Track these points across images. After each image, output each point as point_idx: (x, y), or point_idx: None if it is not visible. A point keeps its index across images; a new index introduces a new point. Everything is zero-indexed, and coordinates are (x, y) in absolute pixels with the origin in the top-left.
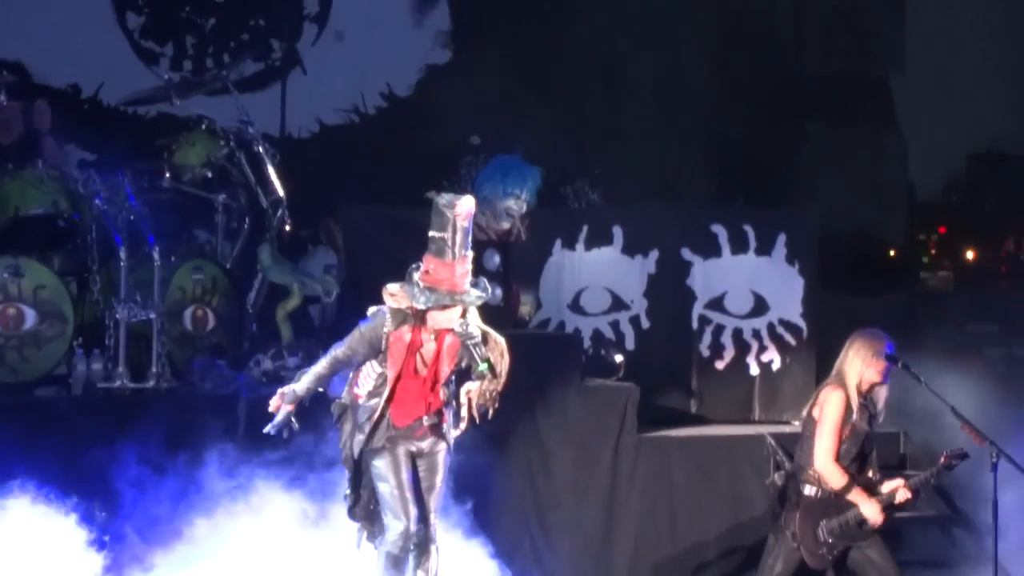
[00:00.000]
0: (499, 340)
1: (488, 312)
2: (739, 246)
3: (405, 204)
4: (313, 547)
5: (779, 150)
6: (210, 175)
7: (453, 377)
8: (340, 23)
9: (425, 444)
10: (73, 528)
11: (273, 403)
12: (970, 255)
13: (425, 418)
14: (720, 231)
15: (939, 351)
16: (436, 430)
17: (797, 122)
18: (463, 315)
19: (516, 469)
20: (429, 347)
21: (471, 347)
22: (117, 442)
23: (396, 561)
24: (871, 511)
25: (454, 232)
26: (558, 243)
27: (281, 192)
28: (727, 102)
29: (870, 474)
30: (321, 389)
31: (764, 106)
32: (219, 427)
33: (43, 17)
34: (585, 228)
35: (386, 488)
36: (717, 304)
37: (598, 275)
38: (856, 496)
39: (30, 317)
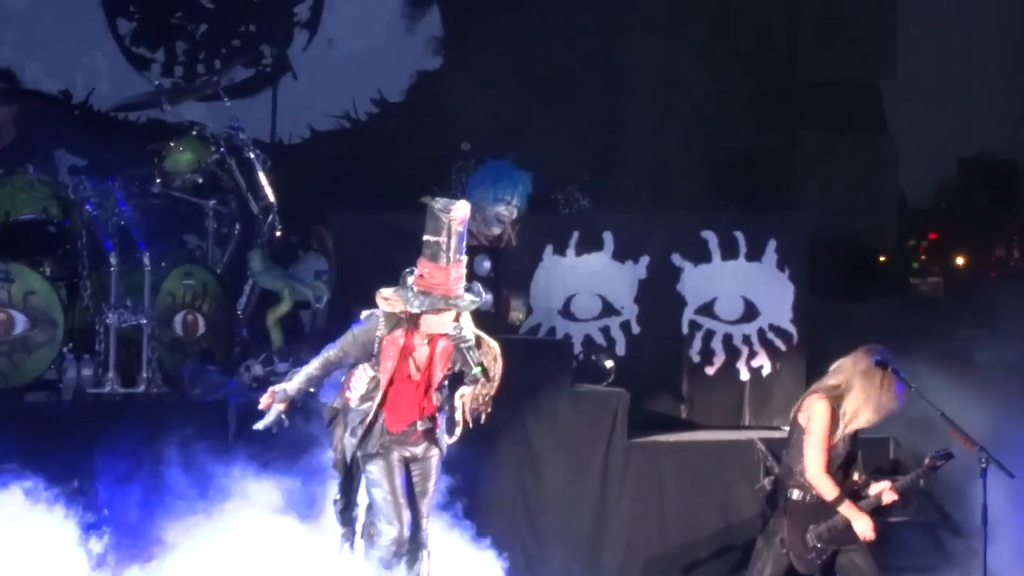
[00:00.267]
0: (492, 344)
1: (479, 318)
2: (729, 252)
3: (396, 210)
4: (303, 549)
5: (771, 156)
6: (200, 181)
7: (446, 382)
8: (331, 29)
9: (419, 450)
10: (64, 530)
11: (264, 400)
12: (960, 261)
13: (419, 423)
14: (711, 237)
15: (929, 356)
16: (429, 435)
17: (789, 128)
18: (456, 319)
19: (507, 474)
20: (422, 351)
21: (465, 351)
22: (107, 445)
23: (388, 566)
24: (863, 527)
25: (449, 236)
26: (549, 249)
27: (272, 198)
28: (720, 109)
29: (856, 477)
30: (312, 390)
31: (756, 112)
32: (210, 431)
33: (35, 23)
34: (576, 234)
35: (379, 493)
36: (707, 310)
37: (589, 281)
38: (847, 510)
39: (20, 322)
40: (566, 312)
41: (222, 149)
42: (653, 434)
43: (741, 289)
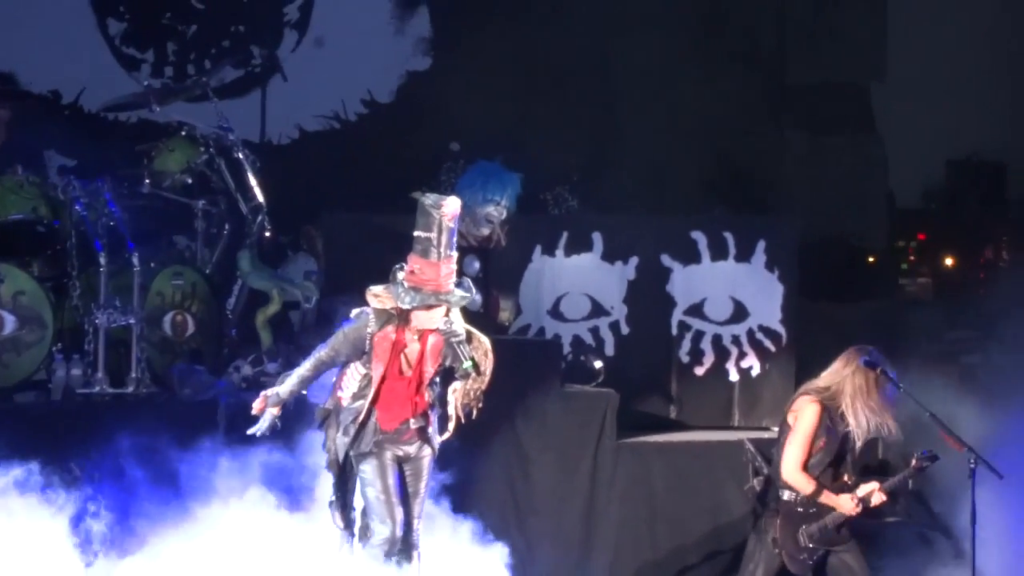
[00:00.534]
0: (483, 339)
1: (468, 318)
2: (719, 253)
3: (385, 211)
4: (295, 547)
5: (760, 157)
6: (190, 181)
7: (437, 379)
8: (320, 30)
9: (412, 448)
10: (55, 524)
11: (256, 405)
12: (949, 262)
13: (411, 421)
14: (700, 238)
15: (918, 358)
16: (422, 434)
17: (778, 129)
18: (447, 315)
19: (496, 475)
20: (413, 348)
21: (456, 346)
22: (97, 444)
23: (381, 565)
24: (846, 504)
25: (439, 232)
26: (538, 249)
27: (261, 198)
28: (709, 110)
29: (845, 478)
30: (304, 392)
31: (746, 113)
32: (199, 430)
33: (24, 23)
34: (565, 234)
35: (372, 493)
36: (697, 310)
37: (578, 281)
38: (827, 499)
39: (9, 323)
40: (555, 312)
41: (211, 150)
42: (642, 435)
43: (730, 290)
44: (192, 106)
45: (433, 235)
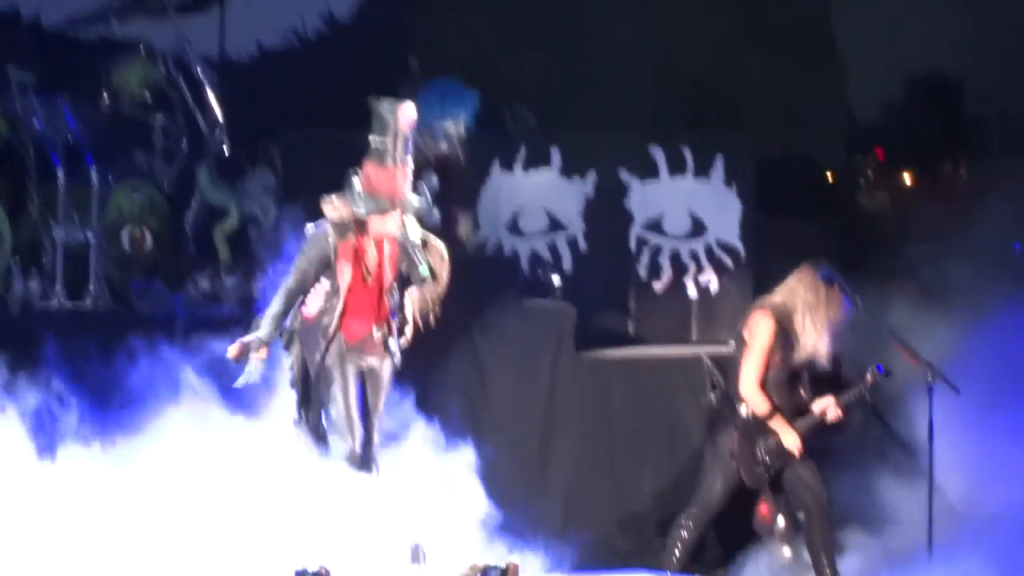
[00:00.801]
0: (439, 245)
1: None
2: (677, 168)
3: (343, 127)
4: (253, 461)
5: (718, 73)
6: (148, 97)
7: (396, 285)
8: None
9: (374, 361)
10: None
11: (232, 351)
12: (907, 178)
13: (375, 330)
14: (658, 153)
15: (876, 273)
16: (385, 345)
17: (735, 46)
18: (402, 221)
19: (454, 390)
20: (372, 254)
21: (411, 252)
22: (55, 355)
23: (341, 479)
24: (791, 441)
25: (395, 138)
26: (496, 165)
27: (219, 114)
28: (667, 28)
29: (801, 392)
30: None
31: (702, 30)
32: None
33: None
34: (523, 150)
35: (334, 409)
36: (655, 226)
37: (536, 197)
38: (777, 424)
39: None
40: (513, 228)
41: (170, 66)
42: (600, 350)
43: (688, 205)
44: (151, 22)
45: (388, 141)
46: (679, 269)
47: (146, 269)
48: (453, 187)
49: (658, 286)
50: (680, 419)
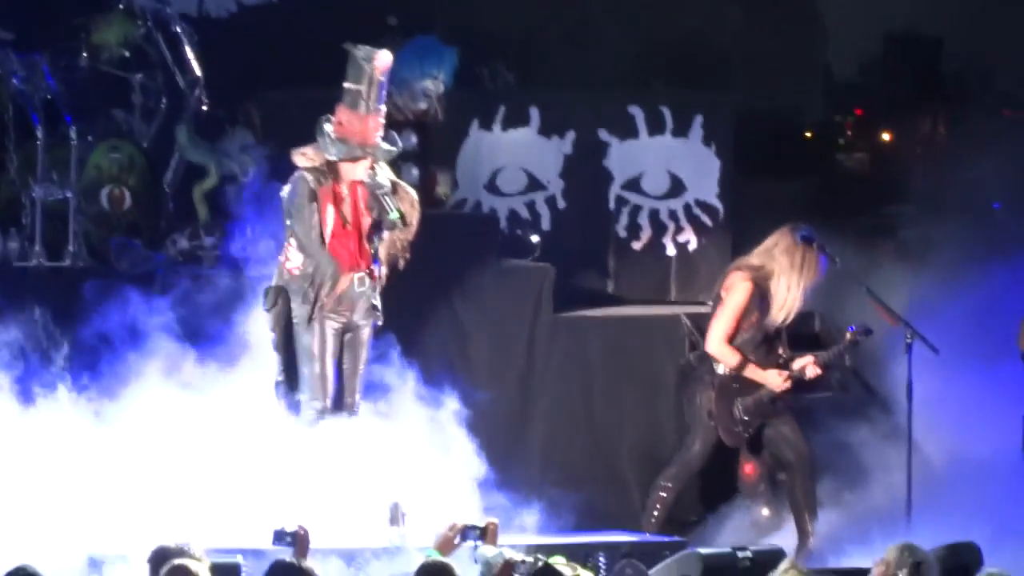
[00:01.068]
0: (409, 190)
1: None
2: (656, 127)
3: (322, 84)
4: (228, 409)
5: (696, 32)
6: (127, 55)
7: (374, 232)
8: None
9: (358, 316)
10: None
11: None
12: (886, 137)
13: (356, 280)
14: (637, 112)
15: (854, 232)
16: (367, 297)
17: (714, 5)
18: (372, 167)
19: (432, 350)
20: (347, 200)
21: (380, 197)
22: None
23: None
24: (773, 379)
25: (370, 85)
26: (475, 123)
27: (198, 72)
28: None
29: (780, 351)
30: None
31: None
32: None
33: None
34: (502, 109)
35: (309, 368)
36: (634, 185)
37: (514, 156)
38: (753, 372)
39: None
40: (492, 187)
41: (149, 23)
42: (579, 309)
43: (667, 164)
44: None
45: (363, 88)
46: (658, 228)
47: (125, 228)
48: (432, 146)
49: (637, 245)
50: (659, 379)
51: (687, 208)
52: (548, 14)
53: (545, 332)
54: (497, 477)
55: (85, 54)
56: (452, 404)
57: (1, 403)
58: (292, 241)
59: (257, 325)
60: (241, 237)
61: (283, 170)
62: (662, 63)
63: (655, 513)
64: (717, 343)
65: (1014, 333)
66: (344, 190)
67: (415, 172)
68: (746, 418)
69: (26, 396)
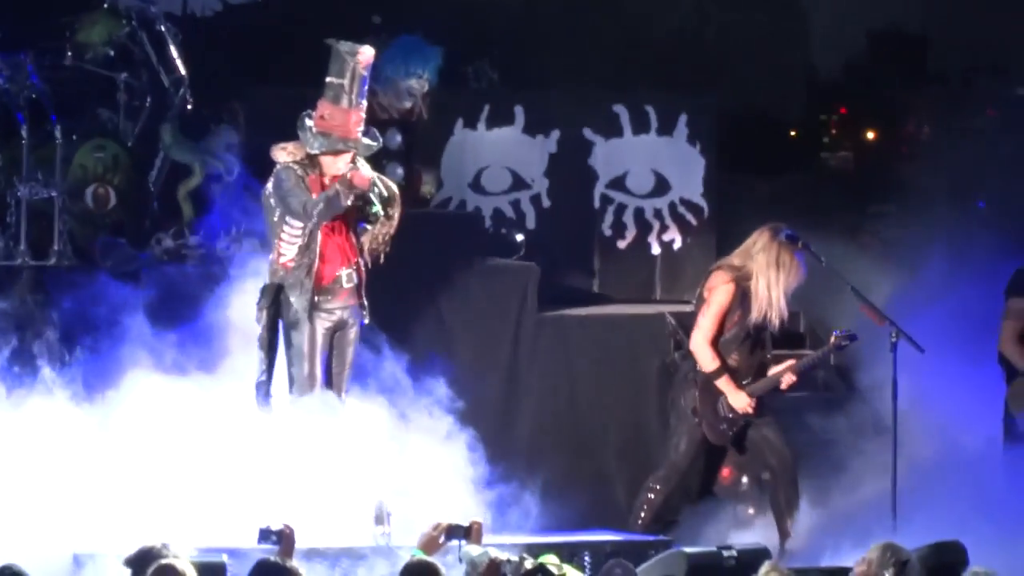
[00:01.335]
0: (390, 185)
1: None
2: (641, 126)
3: (307, 84)
4: (214, 407)
5: (681, 31)
6: (112, 54)
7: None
8: None
9: (346, 314)
10: None
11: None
12: (870, 136)
13: (344, 276)
14: (622, 111)
15: (839, 231)
16: (355, 294)
17: (699, 4)
18: (352, 161)
19: (416, 348)
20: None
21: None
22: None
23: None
24: (738, 401)
25: (352, 79)
26: (460, 122)
27: (183, 71)
28: None
29: (763, 352)
30: None
31: None
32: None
33: None
34: (487, 107)
35: (298, 369)
36: (619, 184)
37: (499, 154)
38: (724, 384)
39: None
40: (476, 186)
41: (134, 22)
42: (564, 308)
43: (652, 163)
44: None
45: (345, 82)
46: (643, 227)
47: (110, 227)
48: (416, 145)
49: (622, 244)
50: (644, 378)
51: (672, 207)
52: (532, 13)
53: (530, 331)
54: (482, 475)
55: (70, 53)
56: (437, 402)
57: None
58: (283, 235)
59: (242, 323)
60: (226, 235)
61: (268, 168)
62: (647, 62)
63: (642, 514)
64: (700, 343)
65: (996, 331)
66: (327, 184)
67: (400, 171)
68: (730, 415)
69: (9, 393)
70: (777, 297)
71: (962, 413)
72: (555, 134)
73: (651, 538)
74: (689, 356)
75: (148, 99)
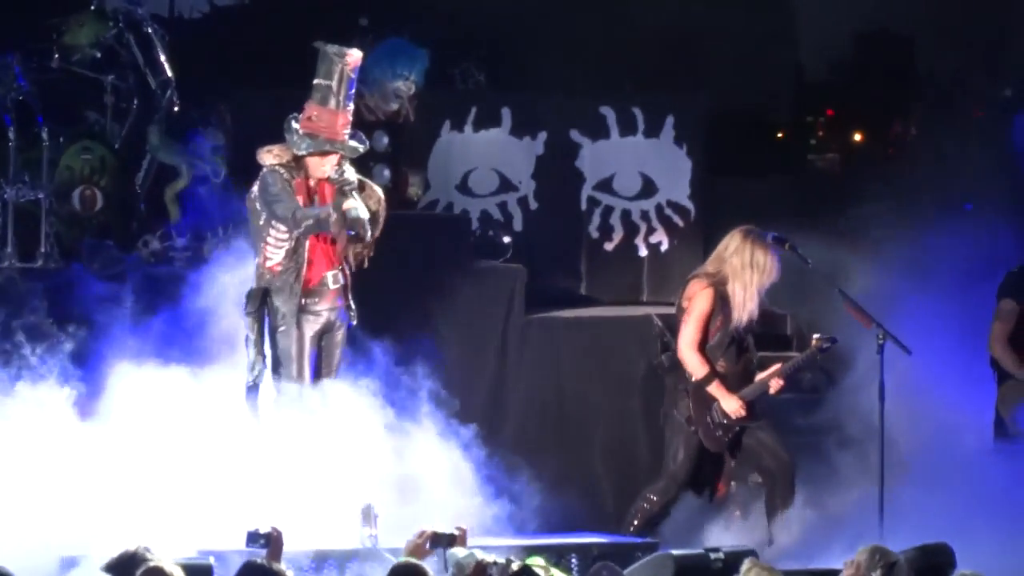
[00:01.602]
0: (376, 188)
1: None
2: (628, 128)
3: (293, 86)
4: (201, 409)
5: (666, 32)
6: (99, 56)
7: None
8: None
9: (333, 315)
10: None
11: None
12: (858, 137)
13: (330, 277)
14: (608, 113)
15: (826, 233)
16: (341, 296)
17: (684, 2)
18: (338, 164)
19: (403, 350)
20: (316, 198)
21: (349, 193)
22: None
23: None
24: (731, 406)
25: (340, 81)
26: (447, 124)
27: (170, 73)
28: None
29: (748, 356)
30: None
31: None
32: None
33: None
34: (474, 109)
35: (287, 371)
36: (606, 186)
37: (486, 156)
38: (715, 390)
39: None
40: (463, 188)
41: (121, 24)
42: (551, 310)
43: (639, 165)
44: None
45: (333, 83)
46: (630, 229)
47: (97, 229)
48: (403, 147)
49: (609, 246)
50: (631, 380)
51: (659, 209)
52: (519, 15)
53: (517, 333)
54: (469, 477)
55: (57, 55)
56: (423, 405)
57: None
58: (270, 239)
59: (229, 326)
60: (213, 238)
61: (255, 171)
62: (634, 63)
63: (635, 522)
64: (687, 349)
65: (985, 333)
66: (313, 185)
67: (387, 173)
68: (724, 421)
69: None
70: (752, 299)
71: (952, 415)
72: (542, 136)
73: (638, 540)
74: (677, 367)
75: (135, 101)
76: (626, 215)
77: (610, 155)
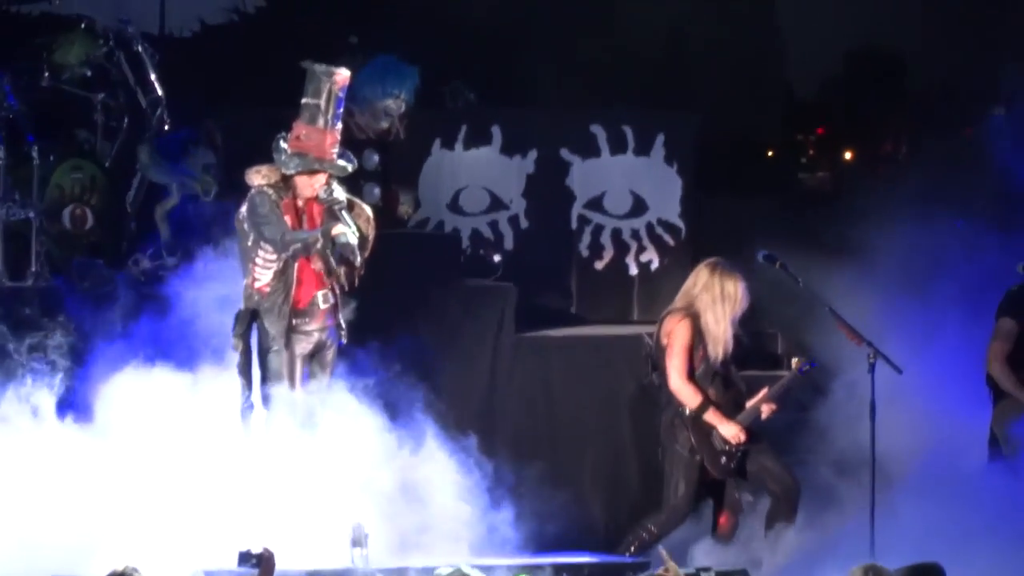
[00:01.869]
0: (365, 207)
1: None
2: (618, 146)
3: (284, 104)
4: (194, 427)
5: (657, 50)
6: (89, 74)
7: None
8: None
9: (324, 335)
10: None
11: None
12: (848, 156)
13: (320, 297)
14: (599, 131)
15: (817, 252)
16: (331, 316)
17: (674, 21)
18: (327, 183)
19: (394, 369)
20: (304, 218)
21: (338, 213)
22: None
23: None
24: (729, 431)
25: (328, 100)
26: (437, 143)
27: (160, 91)
28: (606, 5)
29: (734, 385)
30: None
31: (643, 8)
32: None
33: None
34: (464, 128)
35: (279, 390)
36: (596, 204)
37: (477, 175)
38: (711, 417)
39: None
40: (454, 206)
41: (111, 42)
42: (541, 329)
43: (629, 184)
44: None
45: (321, 102)
46: (620, 248)
47: (88, 247)
48: (394, 165)
49: (599, 265)
50: (621, 399)
51: (649, 227)
52: (510, 34)
53: (508, 352)
54: (459, 496)
55: (47, 73)
56: (414, 423)
57: None
58: (258, 260)
59: (219, 345)
60: (203, 256)
61: (245, 189)
62: (624, 82)
63: (631, 549)
64: (678, 381)
65: (979, 352)
66: (301, 205)
67: (377, 191)
68: (726, 448)
69: None
70: (724, 328)
71: (946, 433)
72: (532, 154)
73: (628, 560)
74: (671, 402)
75: (125, 120)
76: (616, 234)
77: (600, 173)
